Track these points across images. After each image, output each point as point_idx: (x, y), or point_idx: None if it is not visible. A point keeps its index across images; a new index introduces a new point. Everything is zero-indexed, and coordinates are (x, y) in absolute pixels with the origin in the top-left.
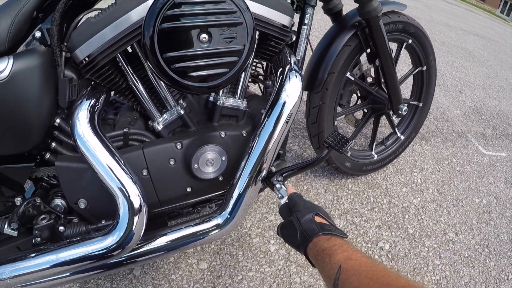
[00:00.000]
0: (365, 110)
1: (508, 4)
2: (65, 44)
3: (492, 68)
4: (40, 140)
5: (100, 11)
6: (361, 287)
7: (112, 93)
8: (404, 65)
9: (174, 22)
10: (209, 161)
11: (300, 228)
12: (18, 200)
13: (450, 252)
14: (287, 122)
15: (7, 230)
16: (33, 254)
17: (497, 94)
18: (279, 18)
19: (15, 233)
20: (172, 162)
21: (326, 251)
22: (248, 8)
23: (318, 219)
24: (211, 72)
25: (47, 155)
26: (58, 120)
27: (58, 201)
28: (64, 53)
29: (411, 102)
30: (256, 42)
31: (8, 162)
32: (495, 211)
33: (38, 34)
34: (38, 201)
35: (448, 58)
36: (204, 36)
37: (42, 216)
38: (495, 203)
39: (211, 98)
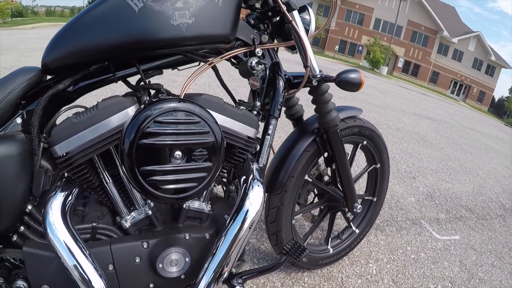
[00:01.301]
0: (322, 207)
1: (458, 85)
2: (44, 135)
3: (444, 150)
4: (10, 224)
5: (80, 108)
6: None
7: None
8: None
9: (152, 139)
10: (173, 262)
11: None
12: None
13: None
14: (250, 228)
15: None
16: None
17: (449, 176)
18: (246, 130)
19: None
20: (137, 260)
21: None
22: (219, 127)
23: None
24: (181, 186)
25: (14, 237)
26: (29, 207)
27: (21, 283)
28: (42, 144)
29: (365, 197)
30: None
31: None
32: None
33: (19, 120)
34: (0, 281)
35: (402, 144)
36: (178, 153)
37: None
38: (450, 287)
39: None
